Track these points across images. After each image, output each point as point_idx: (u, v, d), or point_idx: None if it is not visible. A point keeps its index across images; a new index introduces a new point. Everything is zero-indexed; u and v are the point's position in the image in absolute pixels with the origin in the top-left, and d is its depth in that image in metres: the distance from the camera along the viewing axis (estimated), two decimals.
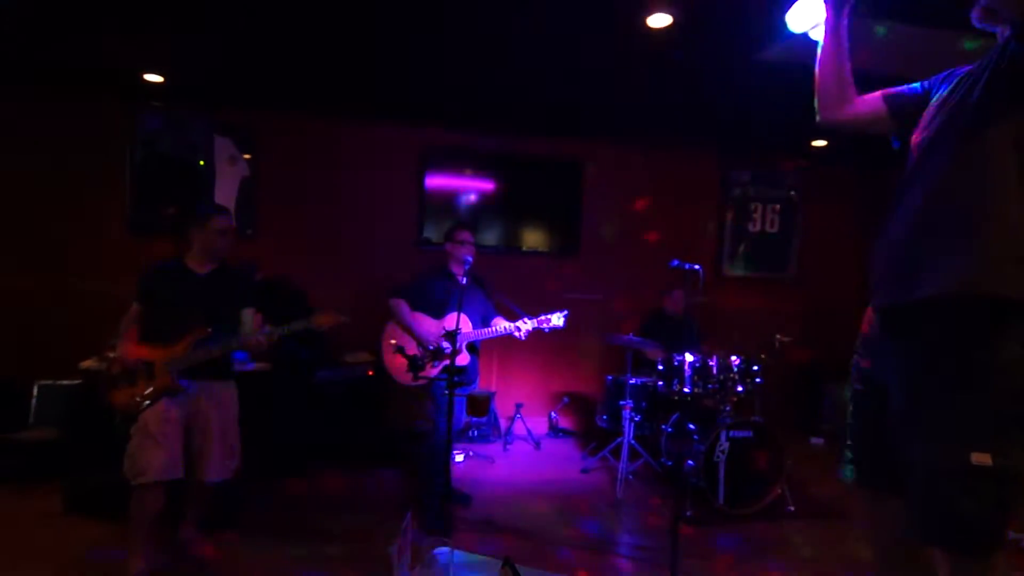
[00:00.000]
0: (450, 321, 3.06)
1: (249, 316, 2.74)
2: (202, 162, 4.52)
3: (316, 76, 3.82)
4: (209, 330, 2.56)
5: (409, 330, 3.31)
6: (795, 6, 1.73)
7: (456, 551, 1.58)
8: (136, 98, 4.31)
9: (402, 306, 3.34)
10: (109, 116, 4.35)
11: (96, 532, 2.93)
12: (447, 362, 3.07)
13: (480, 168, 5.09)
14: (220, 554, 2.82)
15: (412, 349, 3.29)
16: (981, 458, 1.18)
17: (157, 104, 4.40)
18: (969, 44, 2.87)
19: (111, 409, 2.52)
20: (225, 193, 4.61)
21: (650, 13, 2.68)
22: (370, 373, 4.13)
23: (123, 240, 4.35)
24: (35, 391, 3.87)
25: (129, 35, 3.21)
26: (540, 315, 3.30)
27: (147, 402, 2.47)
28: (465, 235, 3.41)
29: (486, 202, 5.12)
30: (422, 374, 3.24)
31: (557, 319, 3.29)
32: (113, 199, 4.41)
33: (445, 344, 3.19)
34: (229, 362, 2.76)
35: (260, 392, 3.75)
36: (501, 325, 3.33)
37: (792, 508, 3.61)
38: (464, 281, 3.31)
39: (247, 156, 4.65)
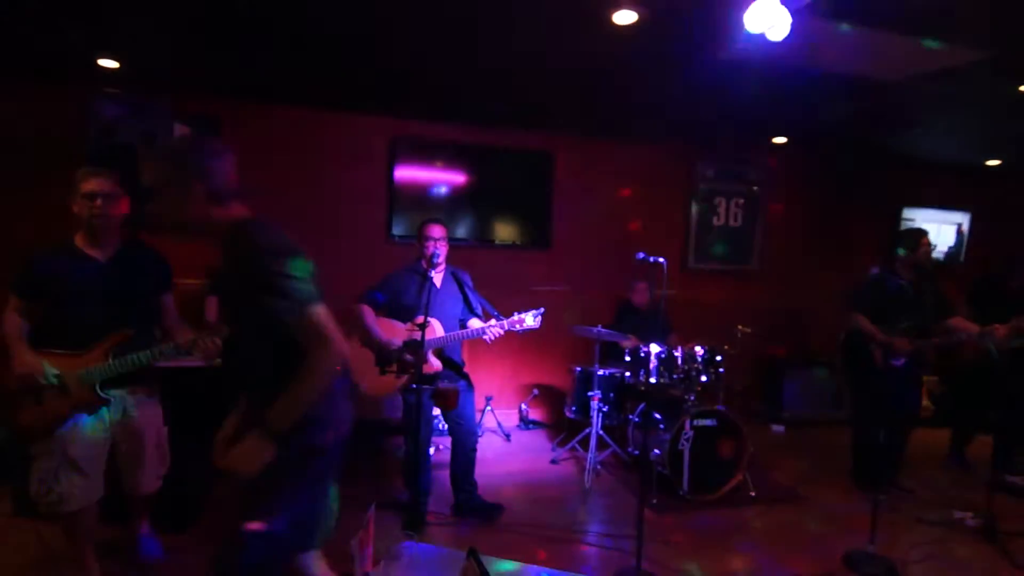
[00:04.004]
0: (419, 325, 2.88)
1: (171, 303, 2.41)
2: None
3: (282, 63, 3.73)
4: (130, 332, 2.22)
5: (371, 339, 3.12)
6: (752, 7, 1.78)
7: (421, 544, 1.59)
8: (90, 84, 4.14)
9: (366, 313, 3.14)
10: (61, 103, 4.17)
11: (46, 535, 2.81)
12: (413, 370, 2.92)
13: (451, 160, 5.04)
14: (179, 553, 2.77)
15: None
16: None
17: (112, 90, 4.24)
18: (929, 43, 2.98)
19: (17, 433, 2.17)
20: None
21: (616, 9, 2.70)
22: (337, 368, 4.08)
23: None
24: None
25: (80, 17, 3.08)
26: (512, 315, 3.07)
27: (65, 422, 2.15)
28: (433, 230, 3.17)
29: (457, 194, 5.09)
30: (390, 369, 3.14)
31: (531, 319, 3.04)
32: (67, 190, 4.24)
33: (408, 356, 3.00)
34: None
35: (214, 388, 3.68)
36: (471, 327, 3.16)
37: (754, 494, 3.72)
38: (437, 280, 3.20)
39: None
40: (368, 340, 3.16)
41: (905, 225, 5.98)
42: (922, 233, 3.78)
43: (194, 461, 2.78)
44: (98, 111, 4.24)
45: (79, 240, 2.26)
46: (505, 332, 3.09)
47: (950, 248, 6.35)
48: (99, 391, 2.18)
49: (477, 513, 3.32)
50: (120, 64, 3.77)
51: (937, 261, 6.23)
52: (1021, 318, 3.46)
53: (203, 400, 2.97)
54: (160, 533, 2.79)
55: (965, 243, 6.36)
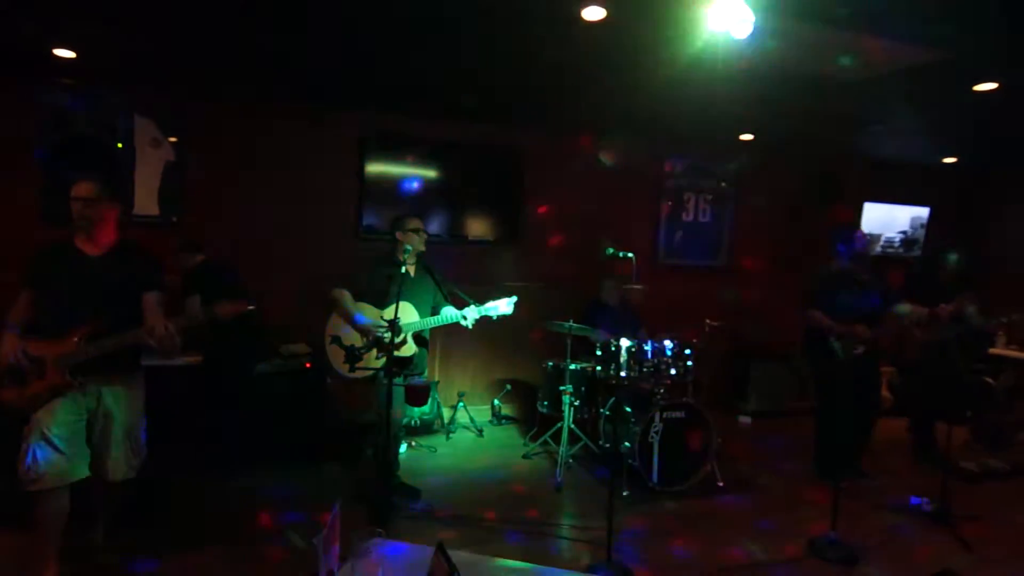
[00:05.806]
0: (392, 311, 2.97)
1: (152, 301, 2.49)
2: (120, 144, 4.25)
3: (249, 55, 3.64)
4: (102, 322, 2.36)
5: (349, 319, 3.23)
6: (716, 5, 1.81)
7: (389, 540, 1.59)
8: (44, 75, 3.99)
9: (344, 294, 3.28)
10: (12, 94, 4.01)
11: (4, 542, 2.73)
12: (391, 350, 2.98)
13: (422, 156, 5.00)
14: (144, 558, 2.71)
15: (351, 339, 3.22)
16: None
17: (68, 81, 4.09)
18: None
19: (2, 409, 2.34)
20: (147, 178, 4.36)
21: (585, 6, 2.71)
22: (307, 366, 4.03)
23: (36, 229, 4.02)
24: None
25: (34, 4, 2.96)
26: (488, 302, 3.24)
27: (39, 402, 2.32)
28: (418, 224, 3.35)
29: (429, 190, 5.05)
30: (361, 365, 3.18)
31: (506, 306, 3.24)
32: (22, 185, 4.08)
33: (385, 333, 3.10)
34: (134, 353, 2.54)
35: (192, 386, 3.62)
36: (448, 313, 3.28)
37: (721, 484, 3.80)
38: (411, 271, 3.26)
39: (172, 139, 4.41)
40: (348, 322, 3.26)
41: (867, 220, 6.16)
42: (854, 227, 3.97)
43: (160, 461, 2.73)
44: (50, 102, 4.10)
45: (77, 238, 2.47)
46: (480, 318, 3.24)
47: (905, 239, 6.55)
48: (69, 375, 2.32)
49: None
50: (76, 54, 3.63)
51: (897, 254, 6.44)
52: (962, 300, 3.59)
53: (180, 396, 2.93)
54: (124, 534, 2.74)
55: (924, 236, 6.57)
